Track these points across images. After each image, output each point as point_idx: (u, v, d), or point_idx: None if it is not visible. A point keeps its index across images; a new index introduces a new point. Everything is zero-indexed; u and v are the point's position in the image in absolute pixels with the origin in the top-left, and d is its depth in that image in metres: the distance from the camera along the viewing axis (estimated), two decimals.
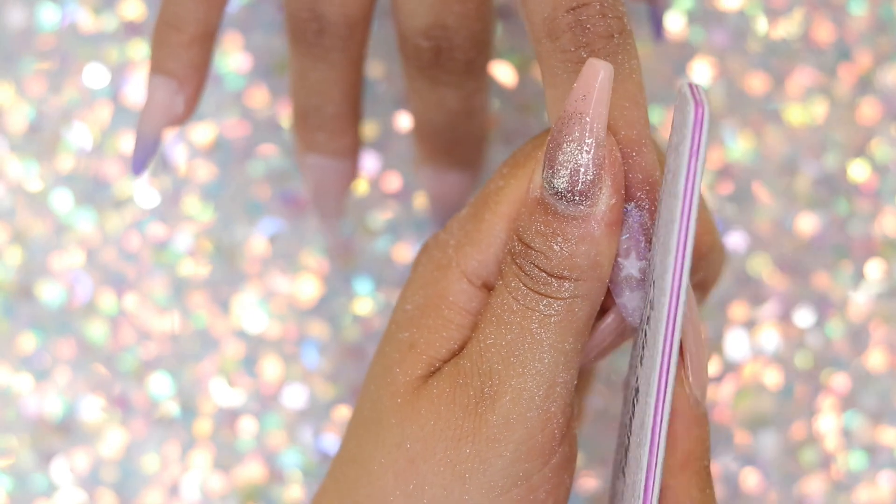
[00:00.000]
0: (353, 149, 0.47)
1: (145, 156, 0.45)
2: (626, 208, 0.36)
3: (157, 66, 0.44)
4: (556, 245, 0.35)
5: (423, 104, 0.45)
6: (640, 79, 0.36)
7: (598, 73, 0.34)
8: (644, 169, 0.36)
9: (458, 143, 0.46)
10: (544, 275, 0.35)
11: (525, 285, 0.36)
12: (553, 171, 0.35)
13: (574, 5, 0.35)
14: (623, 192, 0.36)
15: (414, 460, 0.37)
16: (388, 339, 0.39)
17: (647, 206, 0.36)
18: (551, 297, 0.36)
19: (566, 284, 0.35)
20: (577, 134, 0.34)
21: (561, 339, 0.36)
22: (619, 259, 0.36)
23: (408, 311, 0.39)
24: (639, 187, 0.36)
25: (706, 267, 0.40)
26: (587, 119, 0.34)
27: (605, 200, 0.35)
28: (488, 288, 0.38)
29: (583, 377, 0.42)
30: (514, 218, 0.37)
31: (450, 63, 0.43)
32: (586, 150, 0.35)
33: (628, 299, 0.37)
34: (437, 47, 0.42)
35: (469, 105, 0.45)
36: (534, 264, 0.36)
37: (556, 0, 0.35)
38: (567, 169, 0.35)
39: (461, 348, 0.38)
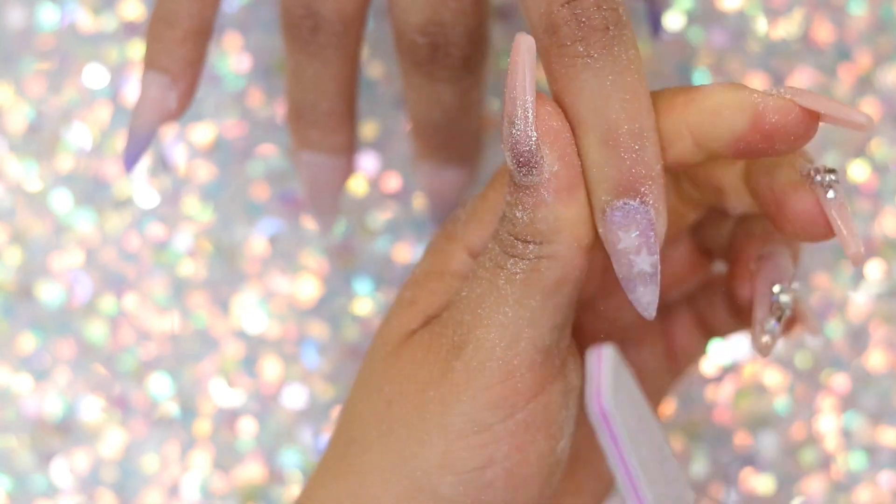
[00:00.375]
0: (348, 146, 0.47)
1: (137, 151, 0.45)
2: (632, 205, 0.37)
3: (151, 62, 0.44)
4: (518, 212, 0.37)
5: (419, 100, 0.45)
6: (639, 69, 0.36)
7: (521, 44, 0.36)
8: (646, 163, 0.37)
9: (455, 139, 0.46)
10: (512, 238, 0.37)
11: (498, 246, 0.38)
12: (504, 147, 0.37)
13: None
14: (570, 157, 0.37)
15: (390, 403, 0.39)
16: (395, 300, 0.41)
17: (651, 202, 0.37)
18: (517, 257, 0.37)
19: (531, 246, 0.37)
20: (509, 109, 0.36)
21: (526, 295, 0.37)
22: (630, 256, 0.37)
23: (416, 274, 0.41)
24: (641, 182, 0.37)
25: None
26: (514, 94, 0.36)
27: (548, 166, 0.36)
28: None
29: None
30: None
31: (446, 59, 0.43)
32: (518, 124, 0.36)
33: (641, 294, 0.37)
34: (433, 43, 0.42)
35: (466, 100, 0.45)
36: (505, 229, 0.38)
37: None
38: (509, 143, 0.36)
39: None
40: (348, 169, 0.48)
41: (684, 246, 0.44)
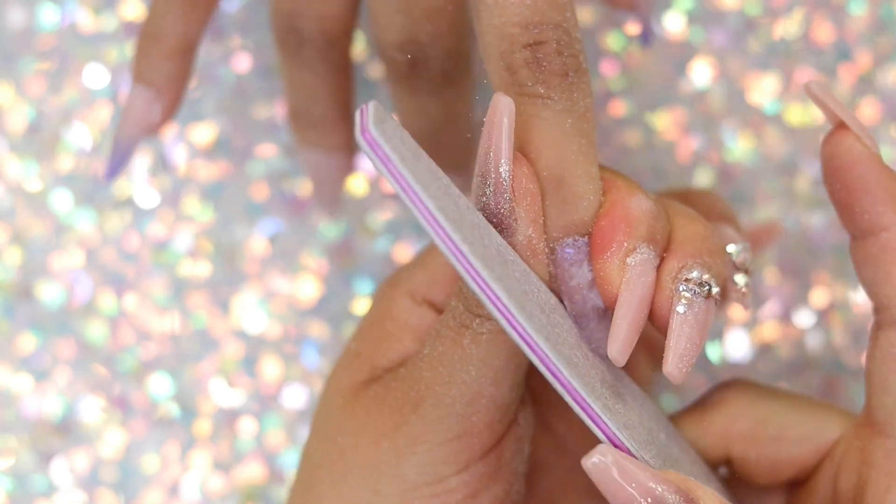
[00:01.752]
0: (345, 144, 0.48)
1: (119, 162, 0.47)
2: (583, 241, 0.37)
3: (137, 76, 0.46)
4: None
5: (405, 110, 0.46)
6: (592, 118, 0.37)
7: (500, 105, 0.35)
8: (597, 206, 0.37)
9: (442, 149, 0.47)
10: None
11: (462, 305, 0.37)
12: (476, 205, 0.36)
13: (531, 42, 0.36)
14: (541, 223, 0.36)
15: (343, 453, 0.39)
16: (343, 351, 0.41)
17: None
18: (483, 318, 0.37)
19: None
20: (483, 168, 0.35)
21: (491, 355, 0.37)
22: (583, 291, 0.37)
23: (361, 325, 0.41)
24: (592, 222, 0.37)
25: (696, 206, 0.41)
26: (491, 155, 0.35)
27: (522, 230, 0.36)
28: (430, 305, 0.40)
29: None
30: None
31: (426, 73, 0.43)
32: (493, 185, 0.35)
33: (595, 329, 0.37)
34: (412, 60, 0.43)
35: (450, 112, 0.45)
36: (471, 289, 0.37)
37: (513, 36, 0.36)
38: (481, 203, 0.36)
39: (399, 359, 0.40)
40: (348, 165, 0.49)
41: None
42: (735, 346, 0.54)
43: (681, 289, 0.37)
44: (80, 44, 0.54)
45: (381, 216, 0.54)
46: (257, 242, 0.54)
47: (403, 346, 0.40)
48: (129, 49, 0.54)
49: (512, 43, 0.36)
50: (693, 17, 0.54)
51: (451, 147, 0.47)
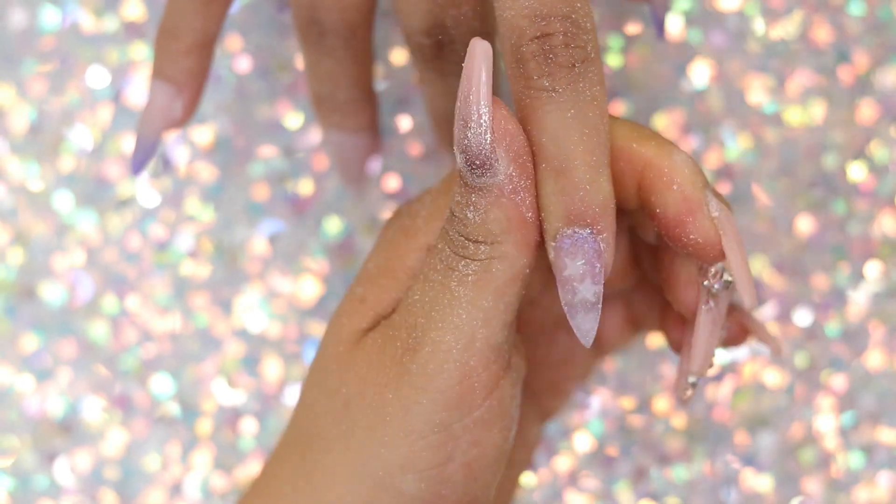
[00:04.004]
0: (368, 125, 0.49)
1: (144, 157, 0.47)
2: (581, 234, 0.37)
3: (158, 72, 0.46)
4: (470, 213, 0.38)
5: (434, 94, 0.46)
6: (602, 105, 0.37)
7: (476, 48, 0.36)
8: (599, 196, 0.37)
9: None
10: (463, 239, 0.38)
11: (448, 248, 0.38)
12: (457, 149, 0.37)
13: (538, 34, 0.37)
14: (524, 160, 0.37)
15: (348, 404, 0.40)
16: (346, 294, 0.42)
17: (600, 233, 0.37)
18: (469, 259, 0.38)
19: (482, 247, 0.38)
20: (463, 111, 0.37)
21: (479, 296, 0.38)
22: (574, 283, 0.38)
23: (368, 269, 0.42)
24: (593, 213, 0.37)
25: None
26: (471, 98, 0.36)
27: (502, 170, 0.37)
28: None
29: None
30: None
31: (453, 55, 0.44)
32: (474, 127, 0.37)
33: (582, 321, 0.38)
34: (438, 42, 0.43)
35: None
36: (455, 230, 0.38)
37: (522, 29, 0.37)
38: (462, 145, 0.37)
39: None
40: (371, 145, 0.50)
41: (622, 244, 0.45)
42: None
43: (705, 283, 0.39)
44: (82, 45, 0.54)
45: (382, 216, 0.54)
46: (258, 242, 0.54)
47: None
48: (130, 50, 0.54)
49: (521, 35, 0.37)
50: (692, 18, 0.54)
51: None
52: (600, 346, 0.47)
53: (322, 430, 0.40)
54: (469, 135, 0.37)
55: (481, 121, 0.36)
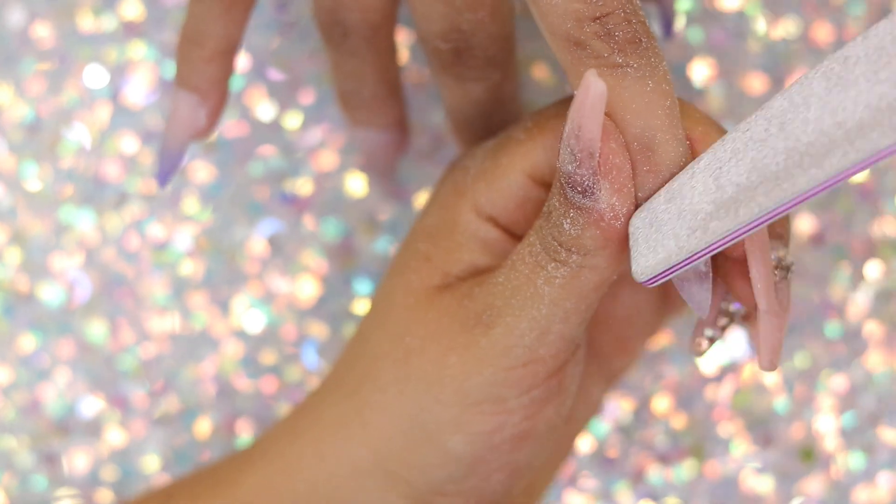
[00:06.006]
0: (395, 122, 0.49)
1: (170, 167, 0.47)
2: None
3: (181, 81, 0.45)
4: (566, 223, 0.38)
5: (453, 98, 0.46)
6: (670, 79, 0.37)
7: (591, 88, 0.35)
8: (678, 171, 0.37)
9: (493, 131, 0.47)
10: (556, 244, 0.38)
11: (541, 245, 0.38)
12: (560, 166, 0.37)
13: (598, 14, 0.36)
14: (627, 189, 0.37)
15: (409, 354, 0.41)
16: (406, 247, 0.43)
17: None
18: (559, 262, 0.38)
19: (574, 256, 0.38)
20: (573, 143, 0.36)
21: (562, 298, 0.38)
22: None
23: (426, 225, 0.42)
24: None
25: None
26: (581, 132, 0.36)
27: (605, 199, 0.37)
28: (494, 223, 0.41)
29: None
30: (528, 172, 0.41)
31: (471, 60, 0.43)
32: (579, 159, 0.36)
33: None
34: (455, 48, 0.43)
35: (498, 95, 0.45)
36: (550, 232, 0.38)
37: (578, 12, 0.36)
38: (566, 169, 0.37)
39: (469, 268, 0.41)
40: (399, 141, 0.50)
41: None
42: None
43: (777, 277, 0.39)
44: (80, 44, 0.54)
45: (381, 216, 0.54)
46: (257, 242, 0.54)
47: (473, 256, 0.41)
48: (129, 49, 0.54)
49: (578, 19, 0.36)
50: (692, 17, 0.54)
51: (503, 128, 0.47)
52: (667, 301, 0.47)
53: (379, 371, 0.41)
54: (574, 167, 0.36)
55: (591, 161, 0.36)
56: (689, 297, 0.38)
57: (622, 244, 0.38)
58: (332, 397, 0.43)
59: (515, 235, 0.42)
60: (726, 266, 0.40)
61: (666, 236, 0.36)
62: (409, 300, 0.41)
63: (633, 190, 0.37)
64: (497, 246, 0.42)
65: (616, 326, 0.47)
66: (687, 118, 0.38)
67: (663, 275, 0.37)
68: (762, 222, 0.33)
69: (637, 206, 0.38)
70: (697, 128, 0.38)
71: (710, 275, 0.38)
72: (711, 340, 0.42)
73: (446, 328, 0.40)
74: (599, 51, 0.36)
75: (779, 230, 0.39)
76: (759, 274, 0.38)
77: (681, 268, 0.36)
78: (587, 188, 0.37)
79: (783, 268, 0.39)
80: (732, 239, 0.34)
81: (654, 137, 0.37)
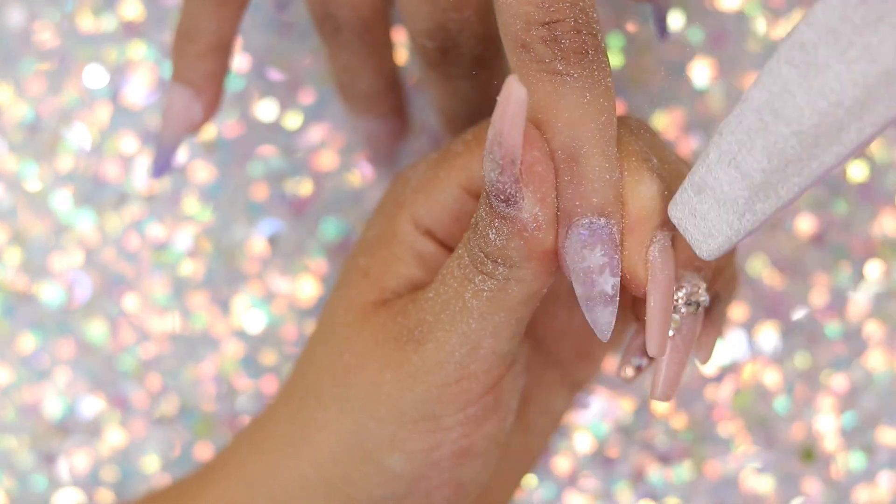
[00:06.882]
0: (393, 110, 0.49)
1: (166, 160, 0.47)
2: (598, 223, 0.37)
3: (176, 76, 0.46)
4: (492, 233, 0.37)
5: (440, 94, 0.46)
6: (613, 97, 0.37)
7: (512, 95, 0.34)
8: (613, 186, 0.37)
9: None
10: (482, 255, 0.37)
11: (468, 256, 0.38)
12: (484, 173, 0.36)
13: (548, 20, 0.36)
14: (550, 200, 0.36)
15: (348, 371, 0.40)
16: (349, 260, 0.43)
17: (617, 225, 0.37)
18: (486, 275, 0.37)
19: (500, 268, 0.37)
20: (495, 150, 0.35)
21: (491, 311, 0.38)
22: (592, 275, 0.37)
23: (367, 237, 0.42)
24: (609, 203, 0.37)
25: (721, 282, 0.41)
26: (503, 138, 0.35)
27: (528, 208, 0.36)
28: (431, 236, 0.41)
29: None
30: (464, 185, 0.40)
31: (458, 59, 0.43)
32: (501, 166, 0.35)
33: (600, 315, 0.37)
34: (442, 47, 0.43)
35: (485, 92, 0.45)
36: (476, 244, 0.37)
37: (528, 15, 0.36)
38: (490, 177, 0.36)
39: (406, 283, 0.41)
40: (399, 127, 0.50)
41: None
42: (735, 346, 0.54)
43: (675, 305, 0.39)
44: (80, 44, 0.54)
45: None
46: (257, 242, 0.54)
47: (410, 270, 0.41)
48: (129, 49, 0.54)
49: (527, 21, 0.36)
50: (693, 17, 0.54)
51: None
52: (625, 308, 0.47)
53: (322, 386, 0.41)
54: (496, 174, 0.36)
55: (512, 167, 0.35)
56: (594, 321, 0.37)
57: (548, 256, 0.37)
58: (282, 411, 0.43)
59: (452, 249, 0.41)
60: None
61: (716, 224, 0.36)
62: (349, 317, 0.41)
63: (555, 201, 0.37)
64: (433, 260, 0.41)
65: (575, 336, 0.47)
66: (622, 149, 0.37)
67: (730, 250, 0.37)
68: (804, 191, 0.35)
69: (557, 217, 0.37)
70: (628, 164, 0.37)
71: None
72: (638, 369, 0.41)
73: (381, 345, 0.40)
74: (542, 55, 0.36)
75: (697, 263, 0.38)
76: (652, 314, 0.37)
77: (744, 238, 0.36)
78: (510, 196, 0.36)
79: (692, 304, 0.38)
80: (784, 207, 0.35)
81: (581, 149, 0.36)
